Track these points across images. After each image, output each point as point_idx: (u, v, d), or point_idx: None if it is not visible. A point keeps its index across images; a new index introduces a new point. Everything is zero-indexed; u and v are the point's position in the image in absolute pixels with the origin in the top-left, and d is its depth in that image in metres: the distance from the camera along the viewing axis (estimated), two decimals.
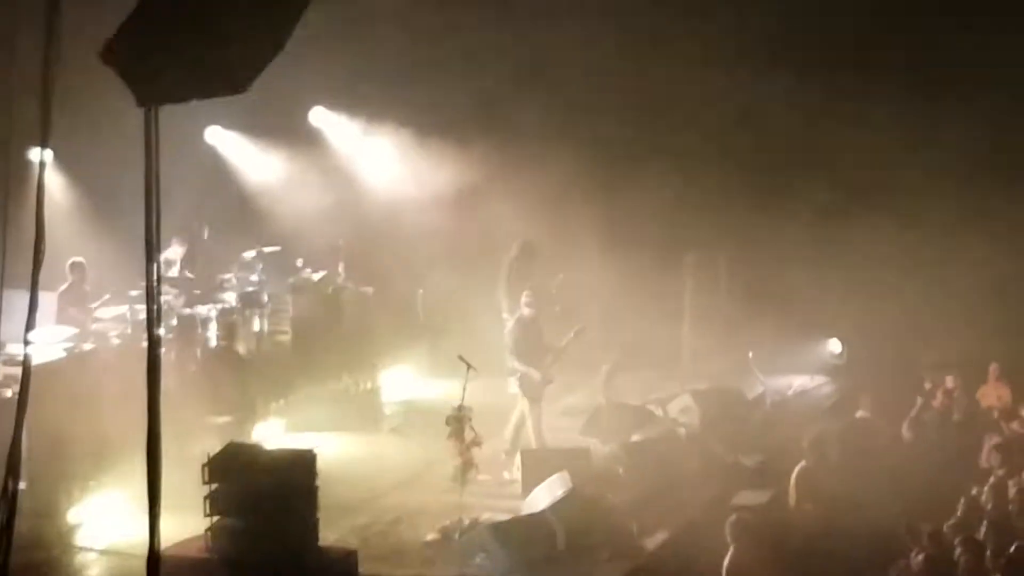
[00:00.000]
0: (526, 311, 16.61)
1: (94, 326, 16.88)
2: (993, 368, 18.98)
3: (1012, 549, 12.96)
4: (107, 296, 17.51)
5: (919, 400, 18.61)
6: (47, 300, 16.18)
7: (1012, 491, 14.82)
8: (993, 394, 18.65)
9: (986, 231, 20.73)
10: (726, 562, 13.62)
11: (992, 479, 15.50)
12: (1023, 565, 12.73)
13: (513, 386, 16.53)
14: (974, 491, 15.19)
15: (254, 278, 19.38)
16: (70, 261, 17.61)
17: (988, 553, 12.69)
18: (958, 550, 12.79)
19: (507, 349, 16.50)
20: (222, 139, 21.10)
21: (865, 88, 21.54)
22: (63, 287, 17.39)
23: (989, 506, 14.96)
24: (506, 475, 15.97)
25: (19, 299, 8.64)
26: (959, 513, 14.63)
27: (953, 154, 21.27)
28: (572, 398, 18.91)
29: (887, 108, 21.17)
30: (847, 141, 21.66)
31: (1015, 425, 17.41)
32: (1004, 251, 20.49)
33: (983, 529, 13.57)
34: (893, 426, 17.82)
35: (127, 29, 7.81)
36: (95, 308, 17.37)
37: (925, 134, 21.22)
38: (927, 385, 19.12)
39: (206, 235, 20.32)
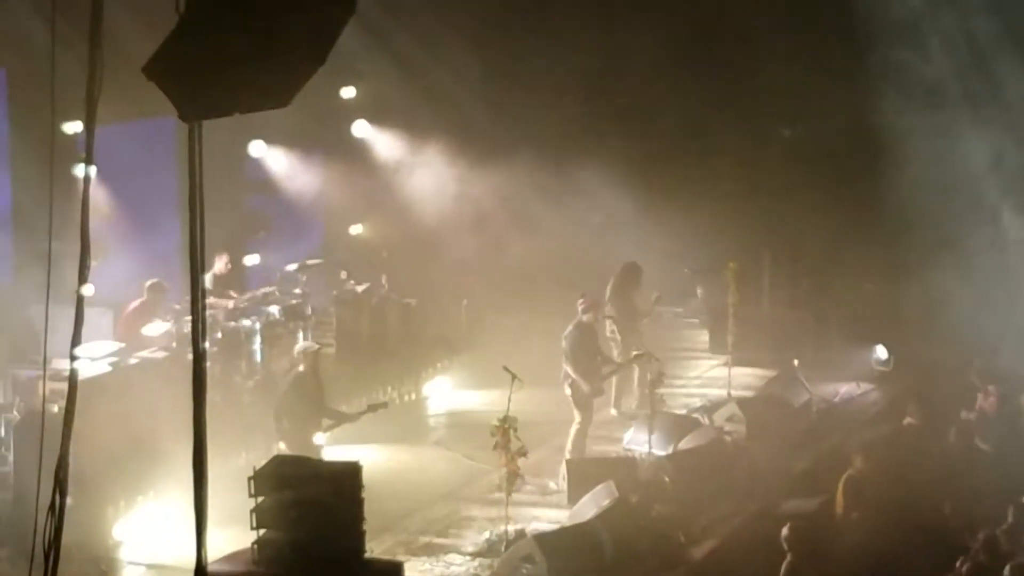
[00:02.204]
0: (585, 318, 16.63)
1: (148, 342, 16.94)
2: None
3: None
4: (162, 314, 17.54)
5: (967, 408, 18.56)
6: (99, 315, 16.25)
7: None
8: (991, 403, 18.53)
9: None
10: (783, 570, 13.59)
11: None
12: None
13: (566, 390, 16.55)
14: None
15: (297, 291, 19.42)
16: (149, 282, 17.72)
17: None
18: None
19: (563, 354, 16.50)
20: (266, 152, 21.14)
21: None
22: (135, 303, 17.48)
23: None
24: (552, 485, 15.95)
25: (64, 314, 8.71)
26: (1010, 519, 14.57)
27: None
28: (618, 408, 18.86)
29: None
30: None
31: None
32: None
33: None
34: (941, 433, 17.73)
35: (169, 45, 7.85)
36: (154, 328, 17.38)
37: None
38: (976, 392, 19.06)
39: (247, 250, 20.39)
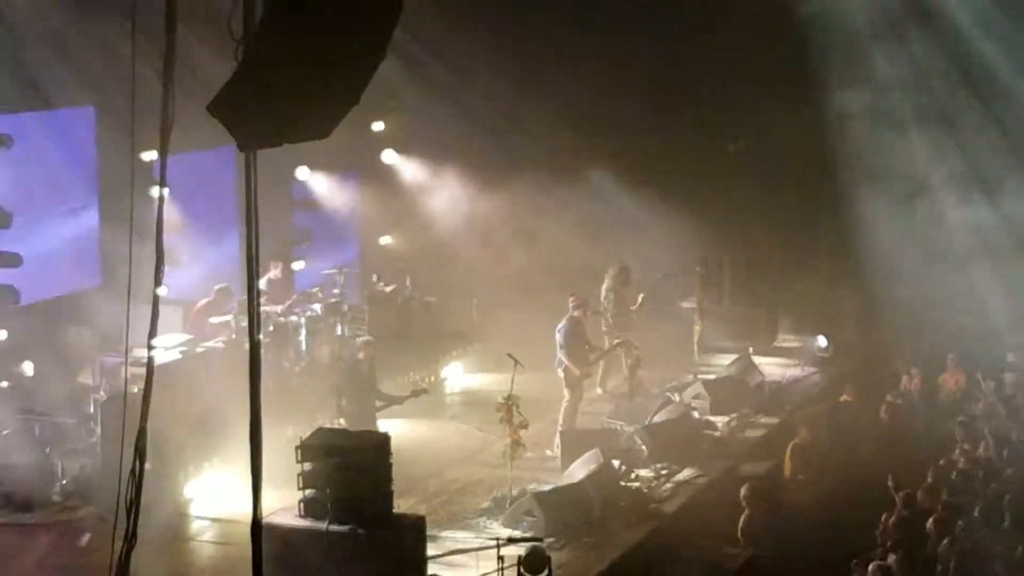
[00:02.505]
0: (575, 313, 16.63)
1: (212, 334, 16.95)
2: (950, 358, 18.93)
3: (976, 511, 12.91)
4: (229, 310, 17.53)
5: (894, 388, 18.63)
6: (171, 312, 16.24)
7: (972, 457, 14.78)
8: (951, 379, 18.60)
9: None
10: (741, 523, 13.61)
11: (956, 451, 15.43)
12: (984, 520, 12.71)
13: (559, 375, 16.52)
14: (941, 461, 15.13)
15: (336, 291, 19.43)
16: (218, 286, 17.73)
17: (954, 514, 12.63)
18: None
19: (557, 344, 16.46)
20: (309, 176, 21.14)
21: None
22: (203, 302, 17.48)
23: (953, 474, 14.90)
24: (548, 452, 15.97)
25: (143, 311, 8.70)
26: (929, 479, 14.57)
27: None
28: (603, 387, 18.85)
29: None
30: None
31: (970, 405, 17.38)
32: None
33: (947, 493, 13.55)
34: (872, 408, 17.75)
35: (229, 88, 7.84)
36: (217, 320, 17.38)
37: None
38: (901, 375, 19.11)
39: (295, 257, 20.41)
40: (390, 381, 17.55)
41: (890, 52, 22.24)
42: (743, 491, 13.80)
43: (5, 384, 15.86)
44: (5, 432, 15.21)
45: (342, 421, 15.39)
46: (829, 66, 22.15)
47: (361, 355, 16.07)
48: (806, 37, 21.97)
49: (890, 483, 14.97)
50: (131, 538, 8.59)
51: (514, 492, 14.27)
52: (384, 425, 15.22)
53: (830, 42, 22.06)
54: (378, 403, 15.96)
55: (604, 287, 18.62)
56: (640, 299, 19.12)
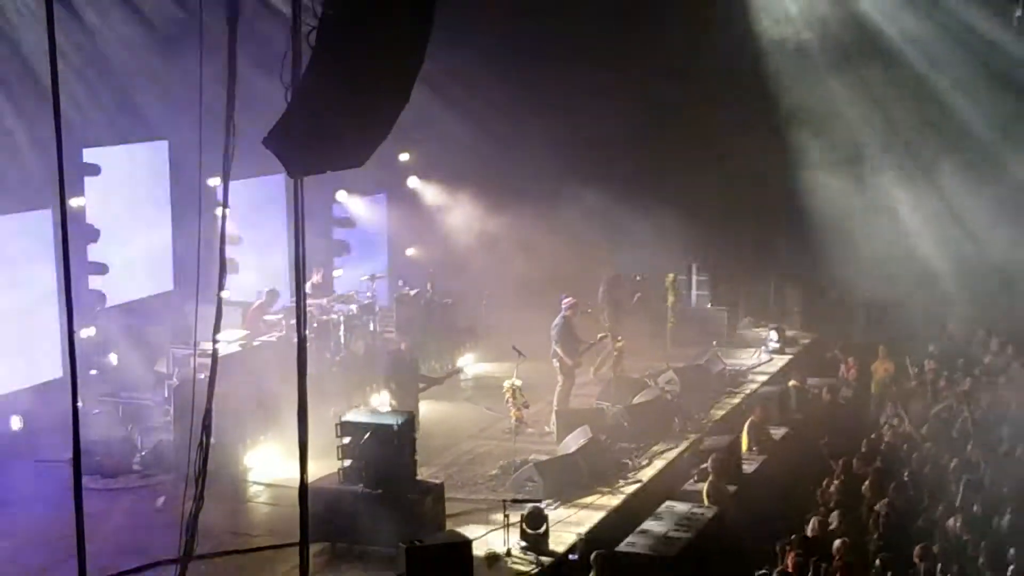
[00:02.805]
0: (567, 313, 16.57)
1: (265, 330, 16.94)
2: (881, 349, 18.88)
3: (905, 474, 12.90)
4: (277, 308, 17.51)
5: (833, 374, 18.62)
6: (232, 311, 16.23)
7: (898, 432, 14.78)
8: (882, 367, 18.54)
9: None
10: (706, 487, 13.57)
11: (885, 427, 15.41)
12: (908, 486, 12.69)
13: (554, 364, 16.49)
14: (873, 435, 15.11)
15: (369, 294, 19.41)
16: (267, 288, 17.64)
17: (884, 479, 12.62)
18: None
19: (552, 339, 16.43)
20: (347, 199, 21.15)
21: None
22: (257, 303, 17.39)
23: (882, 445, 14.89)
24: (546, 428, 15.91)
25: (208, 311, 8.70)
26: (863, 449, 14.55)
27: None
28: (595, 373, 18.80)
29: None
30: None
31: (896, 388, 17.36)
32: None
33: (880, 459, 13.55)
34: (815, 391, 17.73)
35: (281, 124, 7.84)
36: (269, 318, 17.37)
37: None
38: (839, 363, 19.08)
39: (335, 266, 20.41)
40: (424, 368, 17.51)
41: (846, 83, 22.14)
42: (709, 461, 13.78)
43: (94, 372, 15.89)
44: (94, 412, 15.25)
45: (393, 402, 15.32)
46: (791, 99, 22.11)
47: (403, 346, 16.01)
48: (769, 76, 21.97)
49: (824, 452, 14.97)
50: (199, 500, 8.60)
51: (518, 462, 14.22)
52: (423, 406, 15.22)
53: (791, 78, 22.06)
54: (421, 384, 15.92)
55: (600, 292, 18.50)
56: (636, 297, 19.09)
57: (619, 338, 17.83)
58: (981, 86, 21.28)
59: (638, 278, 21.33)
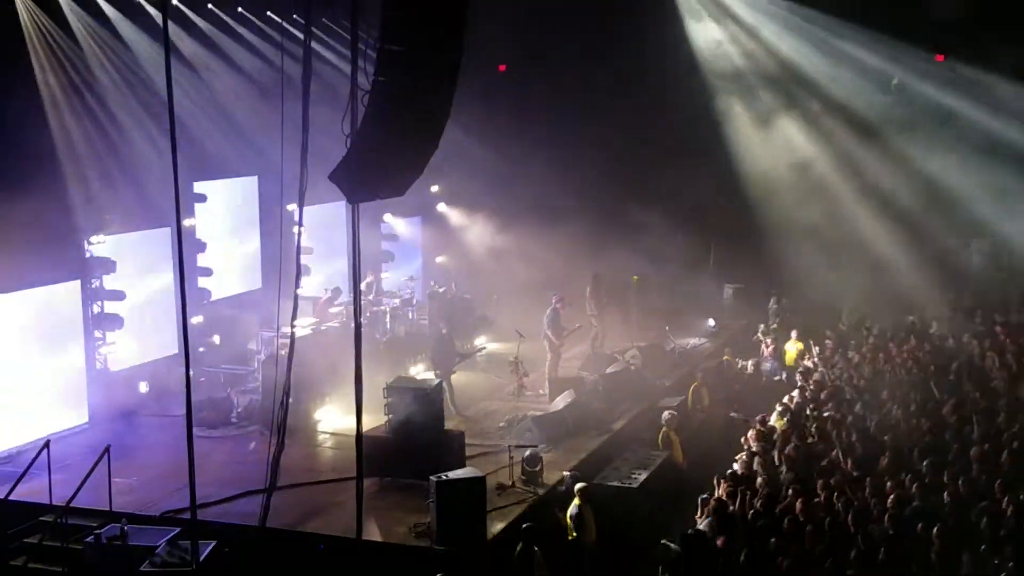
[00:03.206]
0: (556, 306, 16.44)
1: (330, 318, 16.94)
2: (794, 332, 18.73)
3: (813, 427, 12.75)
4: (339, 302, 17.50)
5: (757, 352, 18.53)
6: (305, 304, 16.25)
7: (804, 395, 14.69)
8: (794, 347, 18.42)
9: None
10: (660, 436, 13.55)
11: (796, 392, 15.30)
12: (813, 434, 12.59)
13: (545, 344, 16.42)
14: (785, 399, 15.03)
15: (407, 291, 19.45)
16: (331, 287, 17.54)
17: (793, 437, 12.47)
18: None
19: (544, 325, 16.31)
20: (392, 219, 21.13)
21: None
22: (324, 298, 17.25)
23: (793, 405, 14.80)
24: (540, 392, 15.83)
25: (287, 304, 8.71)
26: (778, 408, 14.46)
27: None
28: (575, 351, 18.74)
29: None
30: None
31: (805, 361, 17.24)
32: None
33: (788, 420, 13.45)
34: (743, 366, 17.65)
35: (343, 164, 7.87)
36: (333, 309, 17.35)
37: None
38: (761, 344, 18.96)
39: (383, 271, 20.39)
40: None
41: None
42: (664, 416, 13.74)
43: (202, 349, 15.92)
44: (201, 379, 15.28)
45: (436, 371, 15.05)
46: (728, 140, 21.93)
47: (444, 331, 15.81)
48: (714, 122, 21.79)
49: (734, 414, 14.79)
50: (280, 445, 8.63)
51: (520, 417, 14.21)
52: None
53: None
54: (457, 359, 15.74)
55: (588, 291, 18.19)
56: (634, 281, 19.05)
57: (595, 324, 17.68)
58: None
59: (609, 283, 21.19)
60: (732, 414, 14.96)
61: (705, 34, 21.98)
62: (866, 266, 20.53)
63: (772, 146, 21.89)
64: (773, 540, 9.21)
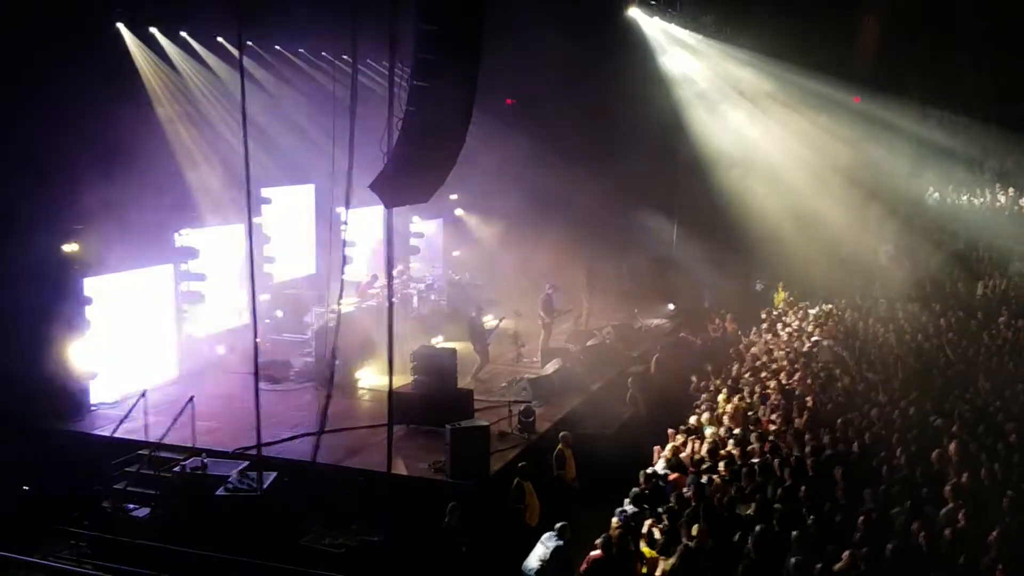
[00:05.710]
0: (549, 291, 16.33)
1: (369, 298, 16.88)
2: (729, 316, 18.36)
3: (758, 388, 12.58)
4: (376, 286, 17.44)
5: (711, 327, 18.40)
6: (349, 286, 16.15)
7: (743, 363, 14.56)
8: (731, 326, 18.17)
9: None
10: (628, 397, 13.56)
11: (737, 362, 15.20)
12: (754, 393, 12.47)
13: (539, 322, 16.35)
14: (726, 366, 14.92)
15: (430, 279, 19.38)
16: (372, 273, 17.32)
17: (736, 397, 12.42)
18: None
19: (539, 306, 16.25)
20: (418, 222, 21.03)
21: None
22: (364, 282, 17.09)
23: (734, 371, 14.74)
24: (535, 359, 15.82)
25: (335, 286, 8.72)
26: (721, 373, 14.36)
27: None
28: (563, 327, 18.65)
29: None
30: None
31: (741, 336, 17.06)
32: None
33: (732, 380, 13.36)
34: (696, 340, 17.58)
35: (381, 176, 7.89)
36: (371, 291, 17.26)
37: None
38: (714, 321, 18.76)
39: (410, 263, 20.35)
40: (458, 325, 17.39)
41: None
42: (630, 379, 13.73)
43: (267, 321, 15.90)
44: (267, 345, 15.28)
45: (470, 345, 14.83)
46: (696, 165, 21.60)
47: (473, 314, 15.55)
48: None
49: (695, 378, 14.66)
50: (329, 397, 8.71)
51: (518, 378, 14.15)
52: (455, 345, 15.15)
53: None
54: (490, 335, 15.43)
55: (584, 280, 17.95)
56: (626, 270, 18.99)
57: (585, 306, 17.61)
58: None
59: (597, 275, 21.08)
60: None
61: (671, 63, 21.83)
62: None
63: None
64: (714, 478, 9.26)
